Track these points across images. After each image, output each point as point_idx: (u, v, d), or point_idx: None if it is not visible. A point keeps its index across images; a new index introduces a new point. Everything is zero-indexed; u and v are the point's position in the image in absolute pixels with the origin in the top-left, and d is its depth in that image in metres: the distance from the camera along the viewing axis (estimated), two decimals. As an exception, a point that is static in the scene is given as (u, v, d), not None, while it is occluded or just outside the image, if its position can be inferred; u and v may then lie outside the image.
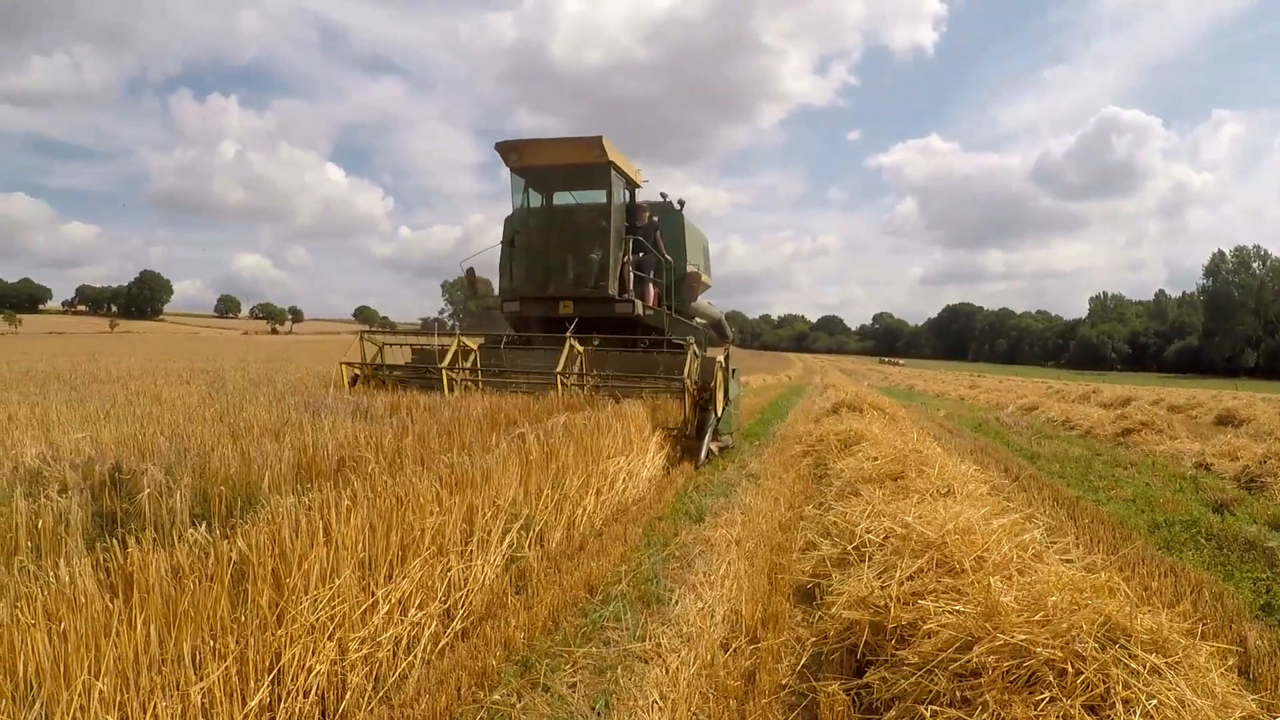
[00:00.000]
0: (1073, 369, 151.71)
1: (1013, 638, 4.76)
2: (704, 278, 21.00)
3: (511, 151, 16.87)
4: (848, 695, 5.36)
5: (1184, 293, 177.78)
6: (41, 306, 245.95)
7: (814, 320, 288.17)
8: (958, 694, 4.68)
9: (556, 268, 17.60)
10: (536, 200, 17.86)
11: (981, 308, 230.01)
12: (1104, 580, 5.44)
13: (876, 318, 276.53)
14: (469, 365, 15.40)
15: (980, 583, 5.67)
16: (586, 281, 17.06)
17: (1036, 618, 4.90)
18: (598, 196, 17.14)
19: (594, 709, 5.14)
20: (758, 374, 53.43)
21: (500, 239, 18.24)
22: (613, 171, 16.60)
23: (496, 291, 18.71)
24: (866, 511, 8.29)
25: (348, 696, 4.98)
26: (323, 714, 4.85)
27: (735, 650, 6.11)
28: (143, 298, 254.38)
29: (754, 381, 44.85)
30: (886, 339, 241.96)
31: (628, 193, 17.83)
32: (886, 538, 7.39)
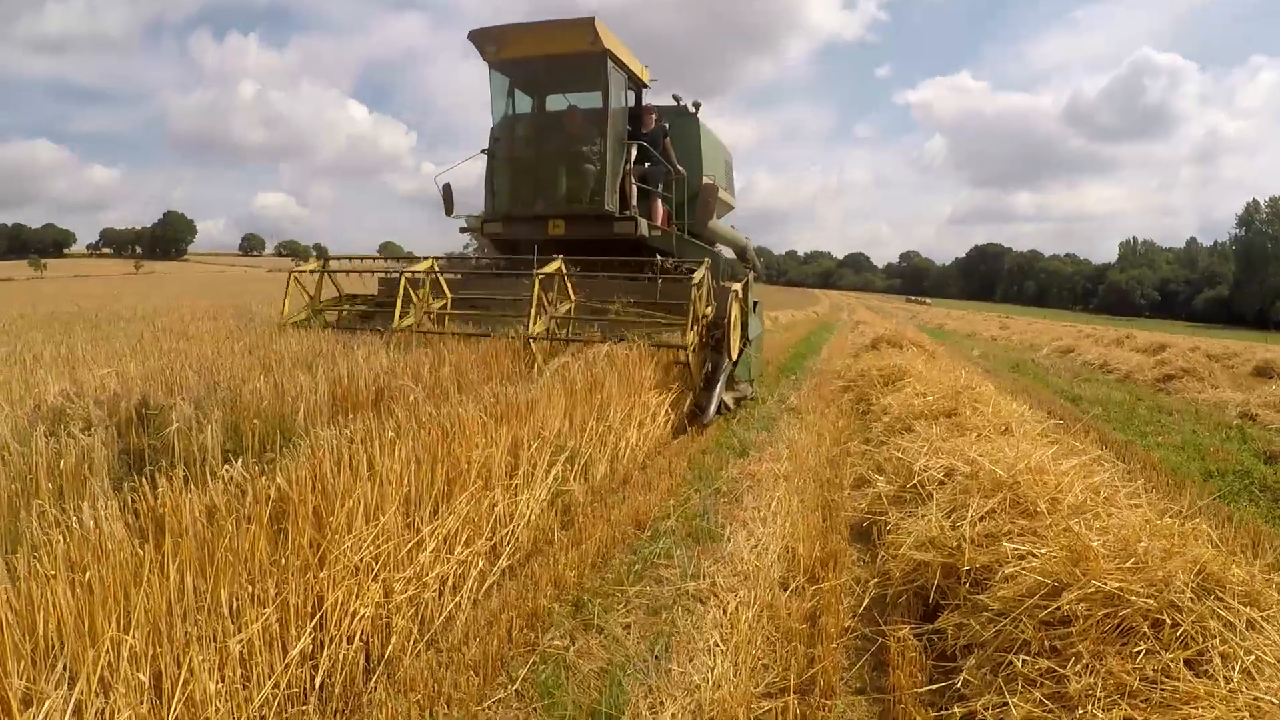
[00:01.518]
0: (1101, 314, 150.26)
1: (1105, 584, 4.45)
2: (725, 195, 17.44)
3: (489, 42, 14.09)
4: (919, 640, 5.09)
5: (1215, 241, 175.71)
6: (66, 251, 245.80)
7: (840, 257, 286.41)
8: (1045, 643, 4.39)
9: (545, 181, 14.49)
10: (527, 106, 15.13)
11: (1010, 249, 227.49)
12: (1191, 528, 5.12)
13: (903, 256, 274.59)
14: (433, 306, 12.72)
15: (1059, 525, 5.38)
16: (580, 196, 14.06)
17: (1128, 564, 4.60)
18: (596, 99, 14.12)
19: (652, 652, 4.87)
20: (785, 309, 53.18)
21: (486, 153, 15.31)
22: (609, 63, 13.65)
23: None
24: (924, 448, 7.98)
25: (393, 641, 4.72)
26: (367, 660, 4.59)
27: (795, 590, 5.84)
28: (167, 238, 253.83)
29: (783, 317, 44.74)
30: (914, 278, 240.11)
31: (631, 93, 15.01)
32: (948, 475, 7.09)
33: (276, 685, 3.99)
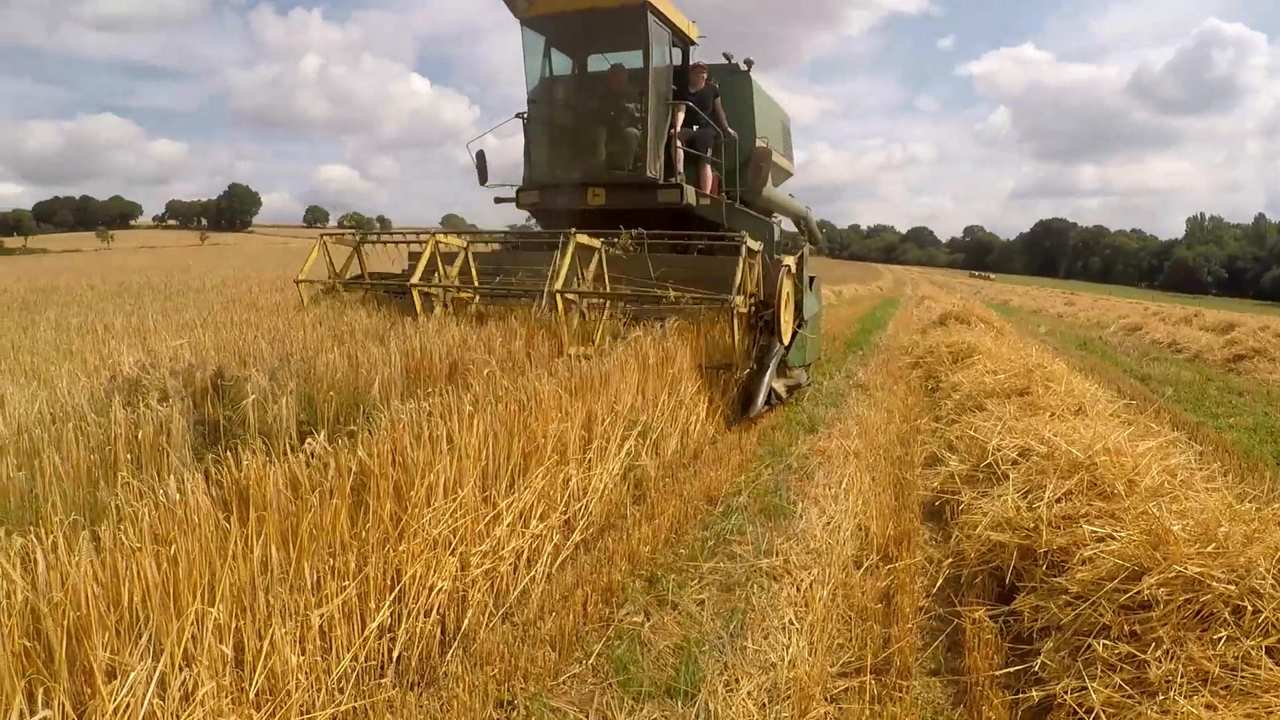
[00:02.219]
0: (1167, 290, 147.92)
1: (1185, 569, 4.40)
2: (780, 159, 15.95)
3: None
4: (994, 621, 5.06)
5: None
6: (132, 223, 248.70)
7: (903, 231, 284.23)
8: (1125, 627, 4.35)
9: (584, 147, 13.32)
10: (567, 67, 13.93)
11: (1075, 223, 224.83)
12: (1271, 513, 5.03)
13: (967, 230, 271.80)
14: (453, 278, 11.73)
15: (1137, 508, 5.32)
16: (622, 162, 12.81)
17: (1208, 549, 4.54)
18: (640, 59, 12.66)
19: (727, 629, 4.87)
20: (849, 284, 52.84)
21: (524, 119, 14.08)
22: (650, 18, 12.28)
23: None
24: (997, 427, 7.92)
25: (469, 614, 4.75)
26: (443, 633, 4.62)
27: (868, 569, 5.83)
28: (232, 210, 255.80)
29: (846, 291, 44.52)
30: (977, 252, 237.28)
31: (677, 50, 13.52)
32: (1023, 455, 7.03)
33: (355, 658, 4.03)
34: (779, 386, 10.82)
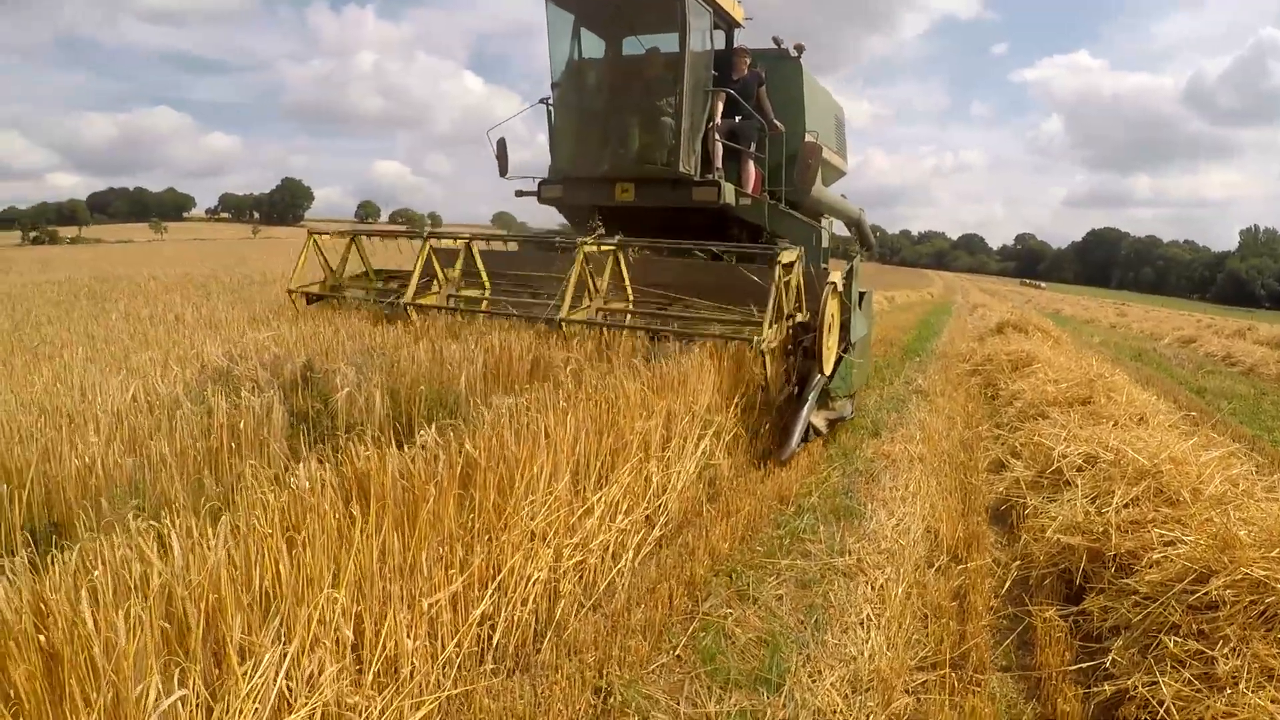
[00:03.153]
0: (1219, 303, 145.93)
1: (1252, 572, 4.57)
2: (832, 156, 14.57)
3: None
4: (1064, 620, 5.23)
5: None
6: (185, 215, 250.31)
7: (954, 238, 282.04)
8: (1193, 626, 4.52)
9: (613, 138, 11.88)
10: (595, 50, 12.56)
11: (1127, 234, 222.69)
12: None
13: (1019, 238, 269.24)
14: (453, 285, 10.70)
15: (1202, 514, 5.48)
16: (654, 156, 11.43)
17: (1273, 554, 4.69)
18: (675, 41, 11.31)
19: (806, 624, 5.08)
20: (900, 289, 52.68)
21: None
22: None
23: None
24: (1062, 435, 8.04)
25: (560, 605, 4.93)
26: (536, 622, 4.79)
27: (939, 569, 6.00)
28: (284, 204, 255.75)
29: (899, 298, 44.43)
30: (1028, 260, 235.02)
31: (719, 33, 12.20)
32: (1088, 462, 7.18)
33: (459, 645, 4.22)
34: (818, 421, 9.30)
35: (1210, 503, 5.72)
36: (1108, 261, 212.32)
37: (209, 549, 3.27)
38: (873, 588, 5.56)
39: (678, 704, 4.20)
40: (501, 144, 13.12)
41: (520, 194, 13.05)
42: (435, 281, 10.77)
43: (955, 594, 5.62)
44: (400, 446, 4.46)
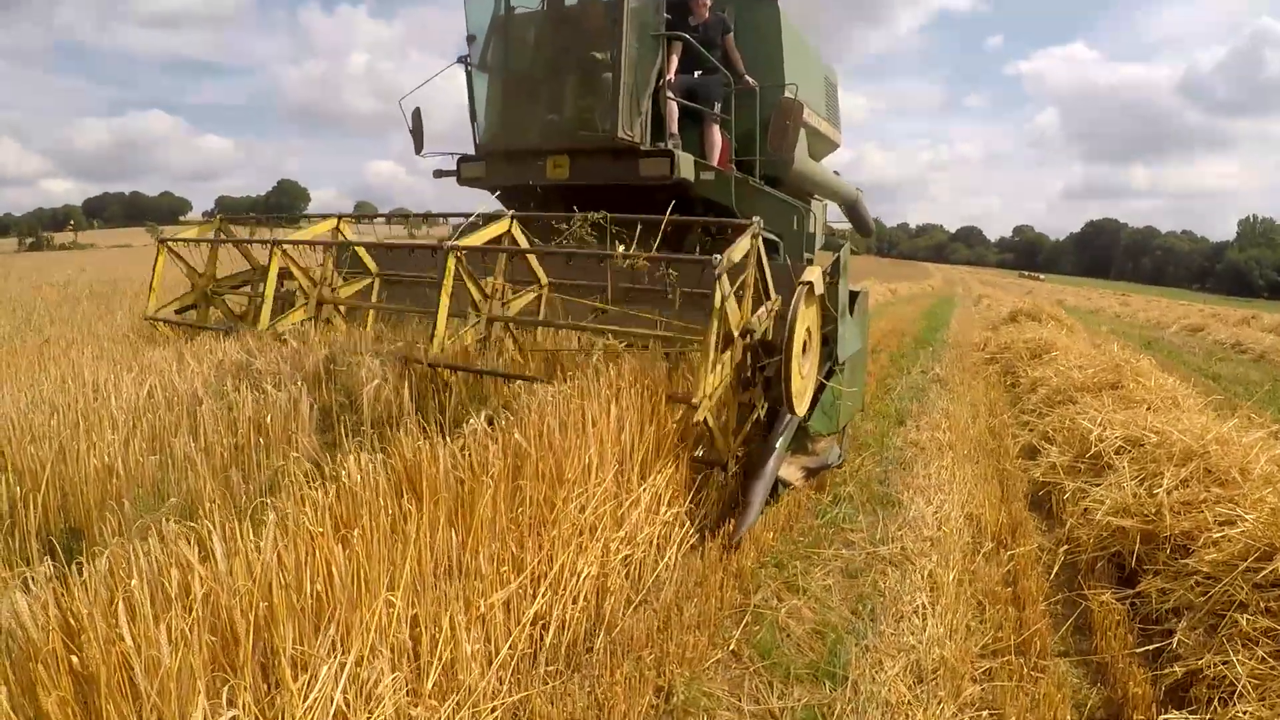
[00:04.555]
0: (1218, 293, 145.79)
1: (1316, 548, 4.53)
2: (820, 123, 12.18)
3: None
4: (1121, 604, 5.15)
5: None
6: (182, 218, 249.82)
7: (952, 231, 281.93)
8: (1261, 604, 4.45)
9: (545, 101, 9.80)
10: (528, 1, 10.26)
11: (1125, 224, 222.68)
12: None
13: (1017, 230, 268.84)
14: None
15: (1254, 494, 5.42)
16: (590, 120, 9.18)
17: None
18: None
19: (859, 614, 5.02)
20: (901, 281, 52.71)
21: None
22: None
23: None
24: (1098, 419, 7.94)
25: (609, 601, 4.80)
26: (587, 621, 4.66)
27: (986, 556, 5.90)
28: (281, 206, 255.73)
29: (901, 290, 44.45)
30: (1026, 253, 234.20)
31: None
32: (1128, 444, 7.09)
33: (513, 646, 4.07)
34: (791, 473, 7.07)
35: (1261, 482, 5.64)
36: (1106, 252, 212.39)
37: (256, 551, 3.08)
38: (922, 576, 5.47)
39: (740, 701, 4.11)
40: (416, 115, 10.90)
41: (439, 174, 10.85)
42: (301, 292, 9.13)
43: (1006, 580, 5.54)
44: (445, 437, 4.26)
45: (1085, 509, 6.31)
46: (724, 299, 5.85)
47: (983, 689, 4.27)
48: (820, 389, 7.32)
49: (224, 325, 8.96)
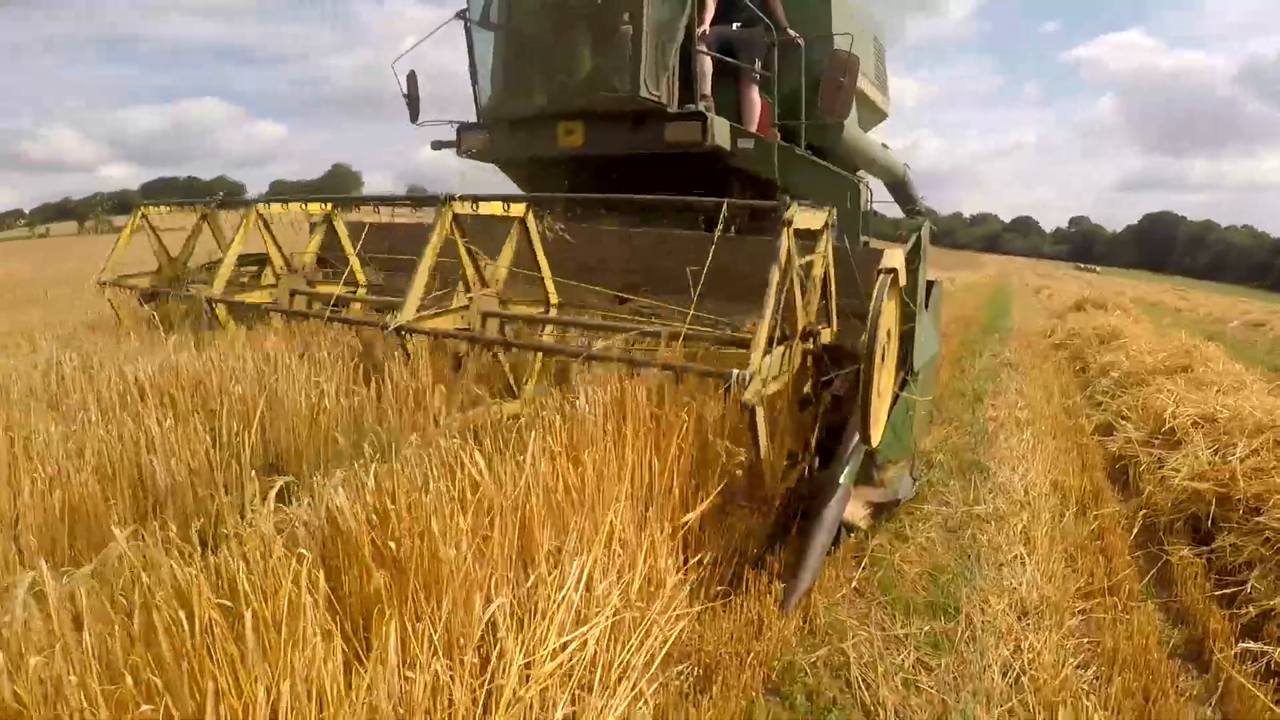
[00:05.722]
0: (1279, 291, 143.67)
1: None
2: (869, 87, 10.83)
3: None
4: (1198, 558, 5.71)
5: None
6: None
7: (1007, 221, 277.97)
8: (1326, 555, 5.06)
9: (557, 59, 8.21)
10: None
11: (1184, 218, 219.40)
12: None
13: (1073, 221, 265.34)
14: (304, 272, 8.07)
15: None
16: (607, 79, 7.83)
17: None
18: None
19: (963, 562, 5.62)
20: (958, 270, 52.74)
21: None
22: None
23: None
24: (1172, 398, 8.45)
25: (750, 542, 5.14)
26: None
27: (1074, 516, 6.49)
28: (335, 190, 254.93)
29: (959, 278, 44.59)
30: (1082, 244, 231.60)
31: None
32: (1202, 420, 7.63)
33: (700, 562, 4.59)
34: (855, 513, 5.61)
35: (1326, 452, 6.25)
36: (1164, 246, 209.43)
37: (519, 465, 3.59)
38: (1016, 532, 6.06)
39: (869, 628, 4.66)
40: (412, 80, 9.66)
41: (438, 145, 9.72)
42: (272, 269, 8.09)
43: (1093, 537, 6.11)
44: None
45: (1162, 477, 6.84)
46: (798, 271, 4.93)
47: (1082, 620, 4.86)
48: (893, 402, 5.93)
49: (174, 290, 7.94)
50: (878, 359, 4.94)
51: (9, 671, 2.29)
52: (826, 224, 5.39)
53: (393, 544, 3.06)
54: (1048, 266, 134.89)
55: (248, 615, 2.52)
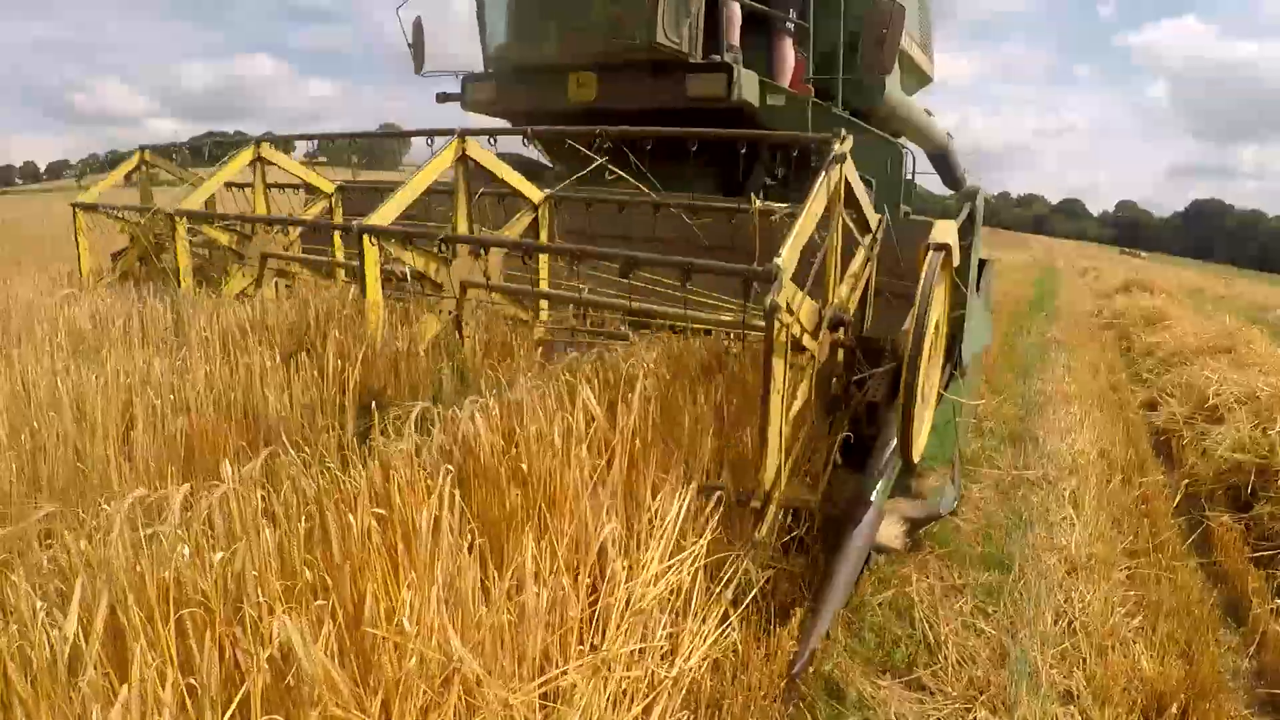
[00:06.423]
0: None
1: None
2: (914, 48, 10.10)
3: None
4: (1237, 525, 6.03)
5: None
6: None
7: (1054, 203, 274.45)
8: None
9: (569, 4, 7.58)
10: None
11: (1232, 206, 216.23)
12: None
13: (1120, 205, 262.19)
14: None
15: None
16: (624, 27, 7.21)
17: None
18: None
19: (1015, 522, 5.94)
20: (1004, 249, 52.77)
21: None
22: None
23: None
24: (1214, 378, 8.74)
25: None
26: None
27: (1120, 483, 6.81)
28: (383, 149, 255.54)
29: (1006, 259, 44.57)
30: (1130, 229, 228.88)
31: None
32: (1244, 398, 7.94)
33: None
34: (889, 534, 5.02)
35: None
36: (1212, 233, 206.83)
37: (627, 404, 3.71)
38: (1065, 495, 6.41)
39: (928, 578, 5.00)
40: (417, 27, 9.17)
41: (443, 98, 9.23)
42: (231, 252, 7.69)
43: (1138, 502, 6.44)
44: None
45: (1204, 449, 7.18)
46: (838, 186, 4.34)
47: (1128, 576, 5.21)
48: (937, 402, 5.10)
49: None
50: (924, 360, 4.07)
51: (198, 564, 2.52)
52: (880, 223, 4.94)
53: (524, 465, 3.25)
54: (1094, 249, 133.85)
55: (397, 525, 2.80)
